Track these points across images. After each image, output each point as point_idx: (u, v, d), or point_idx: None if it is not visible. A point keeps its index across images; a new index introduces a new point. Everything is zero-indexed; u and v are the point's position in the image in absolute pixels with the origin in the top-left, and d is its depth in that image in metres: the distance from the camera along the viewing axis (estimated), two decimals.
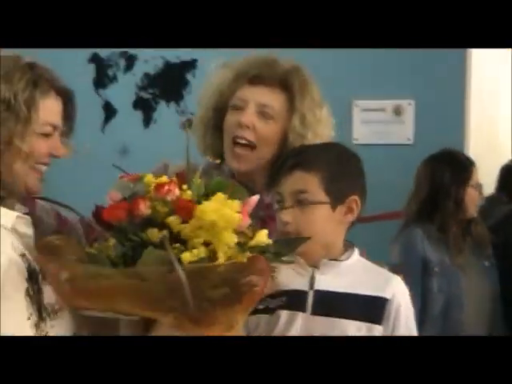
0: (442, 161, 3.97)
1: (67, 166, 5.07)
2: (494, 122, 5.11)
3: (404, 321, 2.08)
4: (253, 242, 1.81)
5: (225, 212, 1.72)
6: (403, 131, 4.61)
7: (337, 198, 2.07)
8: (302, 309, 2.06)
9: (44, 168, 1.96)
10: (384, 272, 2.16)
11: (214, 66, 2.48)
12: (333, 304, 2.06)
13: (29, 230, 1.93)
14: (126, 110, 5.19)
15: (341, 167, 2.10)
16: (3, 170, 1.93)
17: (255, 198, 1.84)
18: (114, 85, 5.26)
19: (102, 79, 5.28)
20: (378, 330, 2.04)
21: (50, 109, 1.95)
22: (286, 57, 2.37)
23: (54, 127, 1.96)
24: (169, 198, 1.74)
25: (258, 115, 2.26)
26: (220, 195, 1.75)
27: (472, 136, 4.53)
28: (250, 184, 2.28)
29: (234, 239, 1.73)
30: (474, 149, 4.51)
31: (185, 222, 1.71)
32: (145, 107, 5.18)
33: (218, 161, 2.41)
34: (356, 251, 2.13)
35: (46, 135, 1.94)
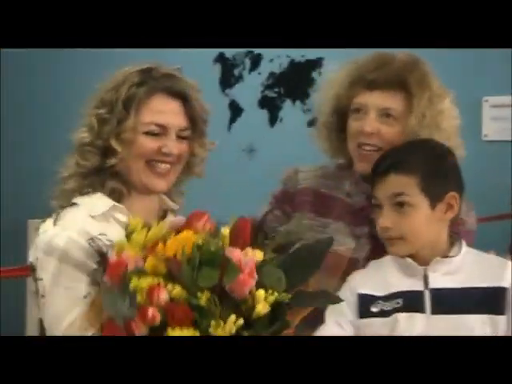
0: None
1: None
2: None
3: None
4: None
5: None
6: None
7: (435, 197, 2.05)
8: (421, 309, 2.05)
9: (164, 166, 2.02)
10: (495, 260, 2.13)
11: (330, 70, 2.51)
12: (452, 301, 2.04)
13: (123, 218, 1.99)
14: (251, 109, 5.17)
15: (437, 165, 2.10)
16: (122, 166, 2.04)
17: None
18: (240, 84, 5.26)
19: (227, 79, 5.29)
20: (502, 321, 2.02)
21: (157, 110, 2.01)
22: (402, 51, 2.34)
23: (163, 127, 2.01)
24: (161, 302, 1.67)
25: (381, 120, 2.24)
26: None
27: None
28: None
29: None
30: None
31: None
32: (270, 106, 5.16)
33: (343, 161, 2.43)
34: (463, 244, 2.11)
35: (154, 134, 2.00)
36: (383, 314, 2.06)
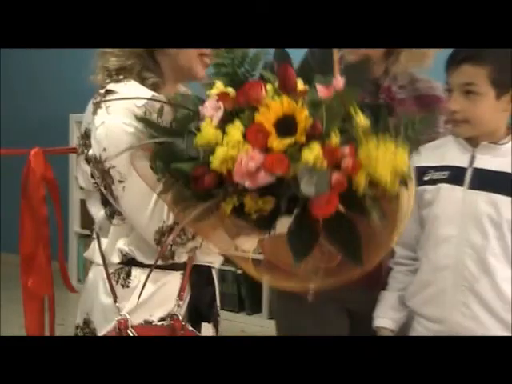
0: None
1: None
2: None
3: None
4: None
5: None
6: None
7: (502, 89, 2.04)
8: (461, 183, 2.10)
9: (209, 61, 1.88)
10: None
11: None
12: (488, 180, 2.09)
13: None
14: None
15: (505, 60, 2.07)
16: (174, 57, 1.91)
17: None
18: None
19: None
20: None
21: None
22: None
23: None
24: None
25: None
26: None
27: None
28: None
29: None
30: None
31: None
32: None
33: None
34: None
35: None
36: (431, 182, 2.14)
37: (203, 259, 1.90)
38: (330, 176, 1.38)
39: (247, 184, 1.38)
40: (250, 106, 1.42)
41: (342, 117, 1.45)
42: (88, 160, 1.84)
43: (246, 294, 5.15)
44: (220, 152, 1.40)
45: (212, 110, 1.47)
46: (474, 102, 2.04)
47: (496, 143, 2.09)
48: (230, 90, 1.49)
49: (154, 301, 1.85)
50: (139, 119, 1.61)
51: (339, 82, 1.48)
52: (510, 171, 2.06)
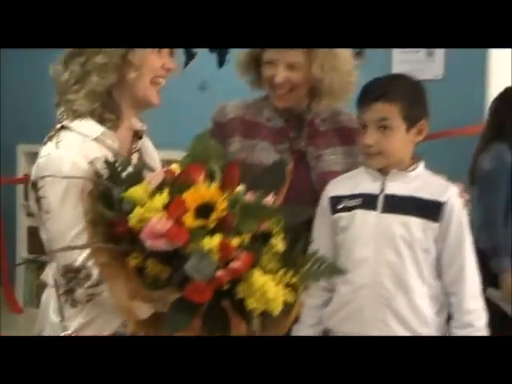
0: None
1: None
2: None
3: (455, 221, 2.12)
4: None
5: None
6: (435, 68, 4.56)
7: (411, 123, 2.12)
8: (374, 208, 2.15)
9: (162, 81, 1.98)
10: (443, 182, 2.20)
11: None
12: (399, 204, 2.14)
13: (114, 144, 1.90)
14: (203, 53, 5.13)
15: (414, 96, 2.16)
16: (126, 87, 1.95)
17: None
18: None
19: None
20: (432, 227, 2.11)
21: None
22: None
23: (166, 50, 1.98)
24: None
25: (288, 71, 2.25)
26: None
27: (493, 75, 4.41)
28: (292, 112, 2.34)
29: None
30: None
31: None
32: (219, 51, 5.15)
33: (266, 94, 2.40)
34: (422, 164, 2.20)
35: (158, 51, 1.94)
36: (346, 209, 2.18)
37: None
38: (214, 269, 1.43)
39: (148, 244, 1.44)
40: (185, 183, 1.50)
41: (257, 227, 1.51)
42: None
43: None
44: (137, 212, 1.47)
45: (154, 178, 1.57)
46: (387, 135, 2.11)
47: (404, 171, 2.16)
48: (176, 168, 1.58)
49: (99, 321, 1.85)
50: (105, 162, 1.64)
51: (268, 200, 1.58)
52: (417, 195, 2.12)
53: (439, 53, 4.50)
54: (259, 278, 1.45)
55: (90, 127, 1.87)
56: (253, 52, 2.32)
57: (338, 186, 2.22)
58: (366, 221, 2.15)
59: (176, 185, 1.52)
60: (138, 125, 2.05)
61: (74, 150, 1.81)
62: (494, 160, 3.65)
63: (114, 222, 1.51)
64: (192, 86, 5.10)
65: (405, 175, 2.16)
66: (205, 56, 5.10)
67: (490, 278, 3.50)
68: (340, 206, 2.19)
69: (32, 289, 5.31)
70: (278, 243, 1.52)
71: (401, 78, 2.26)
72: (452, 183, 2.20)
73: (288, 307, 1.50)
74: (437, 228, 2.11)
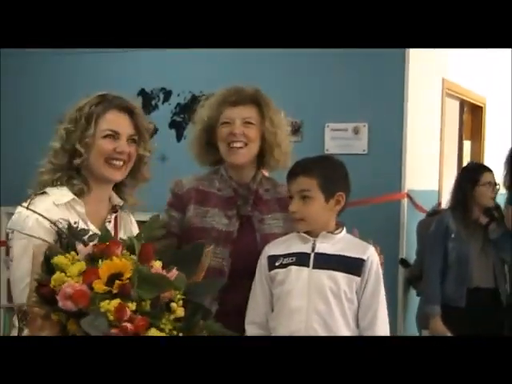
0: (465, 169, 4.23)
1: None
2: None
3: (374, 275, 2.19)
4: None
5: None
6: (360, 144, 4.62)
7: (329, 194, 2.20)
8: (306, 264, 2.19)
9: (118, 163, 2.01)
10: (363, 243, 2.27)
11: (202, 99, 2.54)
12: (328, 261, 2.18)
13: (82, 210, 1.96)
14: (164, 129, 5.12)
15: (331, 173, 2.23)
16: (85, 165, 2.00)
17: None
18: (156, 111, 5.23)
19: (147, 107, 5.21)
20: (356, 280, 2.17)
21: (110, 120, 2.01)
22: (248, 84, 2.41)
23: (116, 133, 2.00)
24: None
25: (244, 125, 2.30)
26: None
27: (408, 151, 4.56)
28: (240, 176, 2.37)
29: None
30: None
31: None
32: (178, 127, 5.17)
33: (216, 167, 2.44)
34: (344, 229, 2.28)
35: (108, 136, 1.99)
36: (282, 266, 2.21)
37: None
38: (108, 327, 1.49)
39: (60, 304, 1.52)
40: (104, 256, 1.58)
41: (155, 295, 1.56)
42: None
43: None
44: (57, 276, 1.55)
45: (83, 250, 1.63)
46: (308, 204, 2.19)
47: (332, 233, 2.23)
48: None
49: None
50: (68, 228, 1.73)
51: (173, 273, 1.63)
52: (343, 254, 2.19)
53: (364, 131, 4.59)
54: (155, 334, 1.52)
55: (61, 194, 1.94)
56: (206, 126, 2.38)
57: (275, 247, 2.26)
58: (299, 275, 2.19)
59: (97, 256, 1.59)
60: (116, 200, 2.09)
61: (41, 210, 1.84)
62: (436, 224, 3.95)
63: (41, 283, 1.58)
64: (154, 157, 5.05)
65: (332, 237, 2.23)
66: (165, 131, 5.12)
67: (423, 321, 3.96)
68: (277, 263, 2.22)
69: (8, 331, 5.20)
70: (178, 309, 1.58)
71: (324, 158, 2.35)
72: (369, 244, 2.26)
73: None
74: (359, 281, 2.17)
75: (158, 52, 4.64)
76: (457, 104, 5.78)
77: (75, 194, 1.96)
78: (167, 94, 5.22)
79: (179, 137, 5.13)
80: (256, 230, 2.35)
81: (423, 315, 4.01)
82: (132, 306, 1.51)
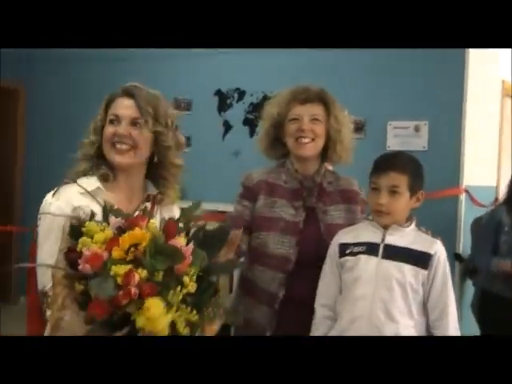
0: None
1: (200, 161, 5.11)
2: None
3: (441, 269, 2.16)
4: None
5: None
6: (420, 142, 4.56)
7: (413, 192, 2.18)
8: (375, 254, 2.17)
9: (120, 146, 1.87)
10: (431, 238, 2.22)
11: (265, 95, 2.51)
12: (396, 253, 2.15)
13: (107, 197, 1.83)
14: (238, 126, 5.26)
15: (417, 171, 2.21)
16: (103, 150, 1.91)
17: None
18: (231, 110, 5.33)
19: (222, 106, 5.37)
20: (422, 273, 2.13)
21: (115, 105, 1.90)
22: (315, 84, 2.39)
23: (117, 116, 1.88)
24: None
25: (312, 122, 2.32)
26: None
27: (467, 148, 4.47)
28: (305, 169, 2.37)
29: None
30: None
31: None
32: (250, 124, 5.20)
33: (282, 160, 2.45)
34: (414, 223, 2.23)
35: (112, 122, 1.88)
36: (352, 254, 2.19)
37: None
38: (113, 290, 1.45)
39: (80, 267, 1.50)
40: (130, 227, 1.55)
41: (166, 266, 1.51)
42: None
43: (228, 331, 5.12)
44: (83, 240, 1.53)
45: (114, 222, 1.60)
46: (396, 199, 2.15)
47: (401, 226, 2.20)
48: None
49: None
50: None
51: (189, 247, 1.56)
52: (411, 247, 2.17)
53: (424, 129, 4.55)
54: (156, 308, 1.45)
55: (89, 183, 1.86)
56: (275, 123, 2.38)
57: (346, 235, 2.25)
58: (368, 264, 2.17)
59: (126, 228, 1.56)
60: (150, 189, 1.97)
61: (63, 198, 1.81)
62: (488, 216, 3.82)
63: (70, 248, 1.56)
64: (229, 152, 5.23)
65: (401, 230, 2.20)
66: (239, 128, 5.24)
67: None
68: (347, 251, 2.21)
69: None
70: (189, 284, 1.52)
71: (412, 157, 2.27)
72: (437, 240, 2.21)
73: (192, 333, 1.51)
74: (425, 274, 2.13)
75: (233, 55, 4.81)
76: None
77: (101, 181, 1.89)
78: (241, 94, 5.27)
79: (252, 133, 5.15)
80: (320, 220, 2.35)
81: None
82: (142, 273, 1.47)
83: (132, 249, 1.50)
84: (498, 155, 5.03)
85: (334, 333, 2.20)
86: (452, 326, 2.14)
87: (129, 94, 1.90)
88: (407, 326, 2.12)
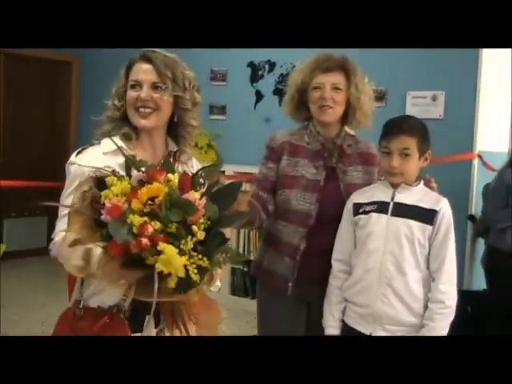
0: None
1: (235, 127, 5.14)
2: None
3: (444, 224, 2.14)
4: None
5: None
6: (437, 110, 4.49)
7: (422, 152, 2.17)
8: (385, 212, 2.17)
9: (143, 110, 1.82)
10: (437, 195, 2.23)
11: (294, 66, 2.53)
12: (405, 210, 2.15)
13: (131, 153, 1.78)
14: (269, 95, 5.24)
15: (425, 133, 2.19)
16: (126, 114, 1.87)
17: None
18: (262, 80, 5.30)
19: (254, 77, 5.36)
20: (428, 229, 2.12)
21: (135, 70, 1.84)
22: (337, 52, 2.33)
23: (138, 81, 1.83)
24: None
25: (333, 91, 2.29)
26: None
27: (480, 117, 4.39)
28: (326, 132, 2.35)
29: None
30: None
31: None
32: (280, 93, 5.05)
33: (305, 123, 2.43)
34: (422, 182, 2.23)
35: (133, 87, 1.83)
36: (365, 212, 2.20)
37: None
38: (127, 235, 1.46)
39: (102, 217, 1.51)
40: (149, 181, 1.56)
41: (181, 218, 1.50)
42: None
43: (249, 284, 5.17)
44: (105, 192, 1.55)
45: (136, 176, 1.60)
46: (407, 160, 2.15)
47: (410, 185, 2.20)
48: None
49: (103, 294, 1.76)
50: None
51: (202, 201, 1.56)
52: (419, 205, 2.17)
53: (441, 98, 4.51)
54: (169, 249, 1.46)
55: (111, 143, 1.80)
56: (299, 89, 2.36)
57: (360, 195, 2.26)
58: (378, 221, 2.17)
59: (146, 181, 1.57)
60: (171, 147, 1.93)
61: (85, 158, 1.76)
62: (497, 179, 3.72)
63: (95, 199, 1.57)
64: (260, 119, 5.22)
65: (410, 189, 2.19)
66: (270, 97, 5.23)
67: None
68: (361, 210, 2.22)
69: None
70: (198, 232, 1.52)
71: (418, 121, 2.25)
72: (442, 197, 2.20)
73: (202, 276, 1.52)
74: (431, 229, 2.13)
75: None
76: None
77: (123, 140, 1.85)
78: (272, 66, 5.24)
79: (281, 102, 4.69)
80: (340, 179, 2.34)
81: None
82: (155, 225, 1.47)
83: (149, 201, 1.50)
84: (510, 123, 4.92)
85: (348, 283, 2.23)
86: (445, 277, 2.12)
87: (147, 58, 1.84)
88: (415, 278, 2.13)
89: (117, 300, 1.73)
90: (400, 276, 2.12)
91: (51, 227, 1.78)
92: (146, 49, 1.85)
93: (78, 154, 1.80)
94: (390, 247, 2.14)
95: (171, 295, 1.53)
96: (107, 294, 1.74)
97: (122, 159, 1.73)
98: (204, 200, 1.56)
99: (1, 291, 4.20)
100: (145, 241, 1.44)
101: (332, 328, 2.24)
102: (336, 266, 2.27)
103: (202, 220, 1.53)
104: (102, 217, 1.50)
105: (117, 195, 1.54)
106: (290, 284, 2.31)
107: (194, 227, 1.51)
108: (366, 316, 2.16)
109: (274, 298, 2.37)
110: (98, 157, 1.77)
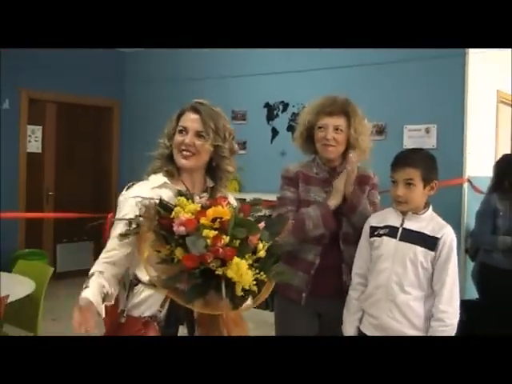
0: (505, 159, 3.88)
1: (254, 160, 5.11)
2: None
3: (446, 250, 2.09)
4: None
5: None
6: (430, 141, 4.49)
7: (427, 182, 2.12)
8: (395, 237, 2.15)
9: (186, 153, 1.85)
10: (441, 222, 2.17)
11: (304, 106, 2.52)
12: (410, 236, 2.13)
13: (169, 192, 1.80)
14: (283, 132, 5.27)
15: (430, 164, 2.15)
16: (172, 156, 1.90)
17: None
18: (277, 119, 5.33)
19: (270, 116, 5.41)
20: (430, 254, 2.08)
21: (184, 118, 1.87)
22: (342, 95, 2.35)
23: (185, 128, 1.86)
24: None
25: (335, 132, 2.29)
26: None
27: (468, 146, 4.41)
28: (331, 164, 2.35)
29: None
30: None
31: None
32: (293, 130, 5.08)
33: (313, 156, 2.43)
34: (430, 209, 2.19)
35: (180, 132, 1.85)
36: (379, 235, 2.18)
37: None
38: (204, 248, 1.51)
39: (175, 229, 1.56)
40: (212, 205, 1.63)
41: (244, 235, 1.55)
42: None
43: (269, 297, 5.10)
44: (176, 209, 1.61)
45: (199, 200, 1.67)
46: (411, 190, 2.12)
47: (417, 213, 2.18)
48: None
49: (143, 305, 1.78)
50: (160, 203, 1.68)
51: (261, 225, 1.64)
52: (424, 231, 2.14)
53: (433, 130, 4.53)
54: (239, 261, 1.51)
55: (158, 179, 1.87)
56: (307, 127, 2.37)
57: (375, 219, 2.24)
58: (388, 244, 2.16)
59: (208, 206, 1.64)
60: (209, 183, 1.95)
61: (134, 191, 1.80)
62: (484, 204, 3.76)
63: (161, 217, 1.62)
64: (276, 152, 5.22)
65: (417, 216, 2.16)
66: (284, 134, 5.28)
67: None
68: (375, 233, 2.21)
69: None
70: (261, 251, 1.60)
71: (424, 153, 2.22)
72: (446, 224, 2.15)
73: (259, 288, 1.56)
74: (433, 254, 2.10)
75: (279, 76, 4.96)
76: (509, 109, 5.45)
77: (167, 176, 1.87)
78: (285, 106, 5.29)
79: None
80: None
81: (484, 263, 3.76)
82: (226, 239, 1.53)
83: (218, 219, 1.57)
84: (495, 149, 4.97)
85: (364, 296, 2.23)
86: (445, 298, 2.06)
87: (195, 109, 1.88)
88: (416, 297, 2.11)
89: (153, 311, 1.77)
90: (402, 294, 2.11)
91: (96, 251, 1.80)
92: (196, 100, 1.90)
93: (128, 188, 1.85)
94: (396, 268, 2.13)
95: (221, 308, 1.55)
96: (147, 305, 1.78)
97: (166, 193, 1.79)
98: (263, 223, 1.64)
99: (55, 307, 4.23)
100: (221, 250, 1.49)
101: (350, 334, 2.24)
102: (355, 279, 2.26)
103: (264, 242, 1.60)
104: (174, 228, 1.55)
105: (187, 212, 1.60)
106: (303, 295, 2.29)
107: (260, 246, 1.59)
108: (377, 326, 2.16)
109: (290, 308, 2.35)
110: (146, 190, 1.80)
